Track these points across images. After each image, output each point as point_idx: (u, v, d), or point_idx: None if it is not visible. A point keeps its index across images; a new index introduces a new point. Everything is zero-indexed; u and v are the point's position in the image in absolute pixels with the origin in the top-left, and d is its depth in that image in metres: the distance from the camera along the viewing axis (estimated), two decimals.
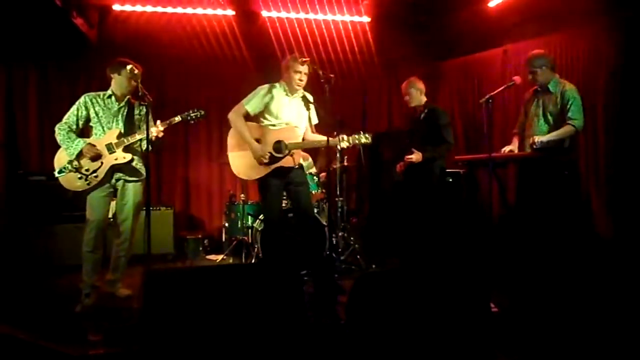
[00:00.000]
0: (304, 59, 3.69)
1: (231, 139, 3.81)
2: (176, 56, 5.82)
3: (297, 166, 3.73)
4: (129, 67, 3.53)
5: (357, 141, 3.60)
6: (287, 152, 3.64)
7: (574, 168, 4.22)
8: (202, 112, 3.80)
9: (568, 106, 3.93)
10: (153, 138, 3.62)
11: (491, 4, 5.26)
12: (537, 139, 3.87)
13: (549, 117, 4.03)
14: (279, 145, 3.65)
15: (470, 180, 5.31)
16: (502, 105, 5.35)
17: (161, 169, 6.05)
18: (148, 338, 2.19)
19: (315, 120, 3.88)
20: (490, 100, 3.83)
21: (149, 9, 5.40)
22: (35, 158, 5.59)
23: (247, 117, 3.74)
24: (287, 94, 3.74)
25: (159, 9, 5.42)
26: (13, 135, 5.54)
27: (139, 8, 5.37)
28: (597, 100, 4.73)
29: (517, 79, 4.01)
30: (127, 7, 5.36)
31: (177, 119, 3.73)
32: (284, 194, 3.91)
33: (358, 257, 4.89)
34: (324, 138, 3.61)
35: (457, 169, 5.16)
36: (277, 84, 3.77)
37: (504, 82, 4.25)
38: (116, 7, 5.35)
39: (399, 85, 4.85)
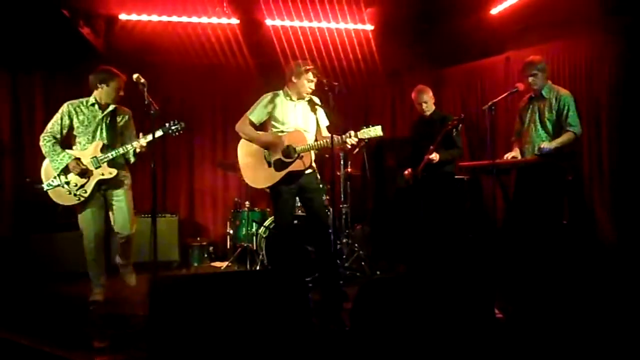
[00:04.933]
0: (307, 67, 3.72)
1: (241, 150, 3.85)
2: (181, 64, 5.86)
3: (308, 169, 3.72)
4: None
5: (366, 135, 3.57)
6: (296, 156, 3.64)
7: (576, 173, 4.22)
8: (182, 125, 3.79)
9: (565, 112, 3.98)
10: (137, 150, 3.71)
11: (494, 12, 5.29)
12: (544, 145, 3.89)
13: (547, 125, 4.06)
14: (287, 150, 3.67)
15: (474, 186, 5.32)
16: (505, 112, 5.36)
17: (166, 176, 6.08)
18: (154, 344, 2.20)
19: (325, 123, 3.86)
20: (493, 107, 3.86)
21: (154, 18, 5.44)
22: (41, 166, 5.61)
23: (255, 127, 3.78)
24: (291, 99, 3.77)
25: (165, 18, 5.47)
26: (20, 143, 5.58)
27: (144, 17, 5.41)
28: (600, 106, 4.74)
29: (520, 85, 4.05)
30: (133, 17, 5.40)
31: (159, 132, 3.72)
32: (296, 200, 3.92)
33: (362, 263, 4.90)
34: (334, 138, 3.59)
35: (461, 175, 5.17)
36: (279, 92, 3.81)
37: (507, 89, 4.27)
38: (122, 16, 5.39)
39: (402, 93, 4.90)
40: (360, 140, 3.59)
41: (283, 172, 3.67)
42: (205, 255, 5.67)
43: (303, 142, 3.68)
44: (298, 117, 3.77)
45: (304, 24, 5.71)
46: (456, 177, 4.99)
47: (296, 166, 3.66)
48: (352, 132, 3.56)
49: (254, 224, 5.13)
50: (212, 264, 5.59)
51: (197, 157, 6.27)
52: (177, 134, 3.80)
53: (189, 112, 6.06)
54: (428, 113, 4.76)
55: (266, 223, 4.84)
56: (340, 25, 5.80)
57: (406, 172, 4.81)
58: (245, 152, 3.83)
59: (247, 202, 5.36)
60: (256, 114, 3.76)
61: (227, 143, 6.27)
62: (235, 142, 6.53)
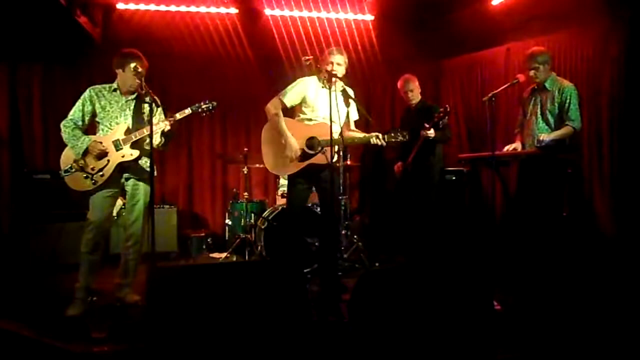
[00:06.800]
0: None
1: (266, 133, 3.72)
2: (179, 54, 5.82)
3: (330, 163, 3.54)
4: (132, 64, 3.45)
5: (393, 140, 3.48)
6: (320, 149, 3.53)
7: (576, 166, 4.21)
8: (214, 104, 3.62)
9: (567, 105, 3.95)
10: (162, 128, 3.49)
11: (494, 2, 5.25)
12: (543, 137, 3.88)
13: (548, 116, 4.04)
14: (311, 142, 3.57)
15: (473, 178, 5.32)
16: (505, 104, 5.34)
17: (164, 167, 6.06)
18: (152, 335, 2.20)
19: (355, 117, 3.79)
20: (493, 99, 3.83)
21: (152, 7, 5.41)
22: (39, 156, 5.61)
23: (285, 110, 3.67)
24: (324, 86, 3.68)
25: (163, 7, 5.43)
26: (18, 134, 5.56)
27: (142, 6, 5.39)
28: (601, 99, 4.72)
29: (520, 77, 4.03)
30: (131, 6, 5.37)
31: (188, 111, 3.56)
32: (312, 190, 3.85)
33: (361, 255, 4.90)
34: (359, 135, 3.56)
35: (460, 167, 5.16)
36: (315, 76, 3.71)
37: (507, 81, 4.26)
38: (120, 5, 5.36)
39: None
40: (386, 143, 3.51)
41: (304, 164, 3.58)
42: (204, 246, 5.67)
43: (328, 134, 3.42)
44: (329, 105, 3.57)
45: (304, 14, 5.69)
46: (453, 169, 4.98)
47: (318, 159, 3.56)
48: (380, 135, 3.48)
49: (252, 215, 5.13)
50: (211, 254, 5.59)
51: (196, 148, 6.25)
52: (206, 113, 3.64)
53: (186, 103, 5.91)
54: (413, 102, 4.75)
55: (264, 214, 4.84)
56: (340, 15, 5.77)
57: (396, 166, 4.80)
58: (270, 138, 3.69)
59: (245, 194, 5.35)
60: (290, 96, 3.65)
61: (226, 134, 6.25)
62: (233, 133, 6.54)
